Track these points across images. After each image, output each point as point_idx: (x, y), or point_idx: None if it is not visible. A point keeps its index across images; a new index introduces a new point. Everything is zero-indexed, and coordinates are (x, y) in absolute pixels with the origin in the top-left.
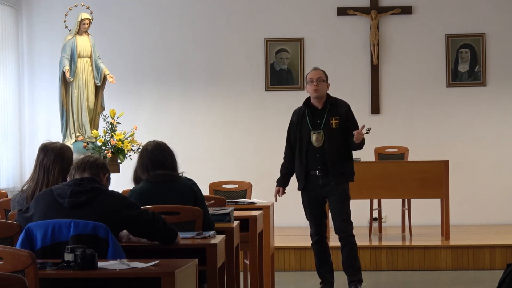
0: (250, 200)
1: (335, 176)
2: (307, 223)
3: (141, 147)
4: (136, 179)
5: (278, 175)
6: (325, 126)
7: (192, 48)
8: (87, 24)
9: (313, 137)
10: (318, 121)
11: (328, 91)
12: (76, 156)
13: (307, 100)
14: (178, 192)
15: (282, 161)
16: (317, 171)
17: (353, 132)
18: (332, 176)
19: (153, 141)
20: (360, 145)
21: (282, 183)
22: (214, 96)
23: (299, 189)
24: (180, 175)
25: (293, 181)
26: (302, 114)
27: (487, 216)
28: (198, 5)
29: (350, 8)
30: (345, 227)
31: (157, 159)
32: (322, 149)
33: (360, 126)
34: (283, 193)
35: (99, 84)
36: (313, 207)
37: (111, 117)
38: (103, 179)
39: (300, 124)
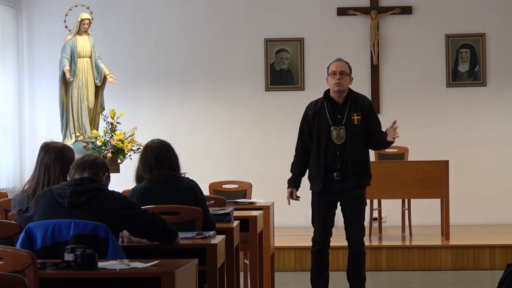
0: (250, 200)
1: (353, 176)
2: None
3: (141, 147)
4: (139, 177)
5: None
6: (346, 122)
7: (192, 48)
8: (87, 24)
9: (334, 133)
10: (339, 116)
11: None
12: (76, 157)
13: (327, 92)
14: (179, 192)
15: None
16: (335, 173)
17: (384, 130)
18: (351, 176)
19: (158, 139)
20: (390, 142)
21: (295, 183)
22: (214, 96)
23: (312, 189)
24: (183, 175)
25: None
26: (320, 107)
27: (487, 216)
28: (198, 5)
29: (350, 8)
30: (357, 236)
31: (161, 157)
32: (343, 147)
33: (381, 122)
34: (297, 197)
35: (99, 84)
36: (324, 213)
37: (111, 117)
38: (103, 178)
39: (317, 118)
